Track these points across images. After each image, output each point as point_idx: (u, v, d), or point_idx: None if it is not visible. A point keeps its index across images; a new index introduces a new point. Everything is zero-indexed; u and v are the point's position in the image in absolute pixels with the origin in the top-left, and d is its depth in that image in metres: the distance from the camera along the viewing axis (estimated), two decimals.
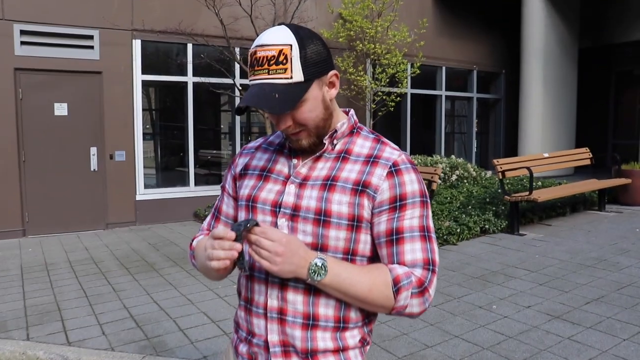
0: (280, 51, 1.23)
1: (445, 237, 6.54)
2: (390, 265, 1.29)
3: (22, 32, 7.51)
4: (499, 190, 8.06)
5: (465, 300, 4.59)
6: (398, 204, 1.30)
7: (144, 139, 8.63)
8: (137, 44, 8.29)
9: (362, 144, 1.38)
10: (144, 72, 8.42)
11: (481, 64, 12.89)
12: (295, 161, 1.39)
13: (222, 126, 10.09)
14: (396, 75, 9.89)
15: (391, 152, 1.35)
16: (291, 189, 1.35)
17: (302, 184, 1.34)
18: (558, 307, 4.34)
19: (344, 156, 1.36)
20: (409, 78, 10.79)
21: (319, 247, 1.29)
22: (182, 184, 9.06)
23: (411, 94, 11.62)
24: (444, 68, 12.20)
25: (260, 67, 1.26)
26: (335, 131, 1.37)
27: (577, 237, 6.71)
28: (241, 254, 1.22)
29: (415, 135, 11.92)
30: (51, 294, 5.06)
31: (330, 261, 1.24)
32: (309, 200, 1.31)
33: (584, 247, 6.24)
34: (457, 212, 7.49)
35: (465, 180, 9.79)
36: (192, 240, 1.57)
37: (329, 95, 1.34)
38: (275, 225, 1.34)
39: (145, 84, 8.66)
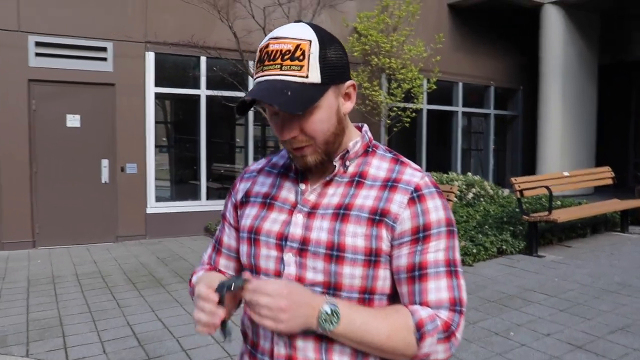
0: (298, 46, 1.08)
1: (460, 257, 6.33)
2: (412, 306, 1.12)
3: (37, 44, 7.51)
4: (517, 210, 7.84)
5: (481, 325, 4.38)
6: (421, 235, 1.13)
7: (155, 151, 8.57)
8: (150, 56, 8.27)
9: (379, 165, 1.21)
10: (157, 84, 8.38)
11: (498, 79, 12.72)
12: (302, 186, 1.22)
13: (237, 140, 10.00)
14: (412, 90, 9.74)
15: (412, 174, 1.18)
16: (298, 219, 1.18)
17: (311, 213, 1.18)
18: (580, 335, 4.11)
19: (358, 180, 1.19)
20: (424, 93, 10.65)
21: (332, 286, 1.13)
22: (194, 198, 8.97)
23: (427, 109, 11.48)
24: (460, 84, 12.05)
25: (271, 62, 1.09)
26: (347, 151, 1.20)
27: (599, 260, 6.46)
28: (225, 320, 1.06)
29: (431, 152, 11.75)
30: (55, 308, 4.96)
31: (341, 306, 1.06)
32: (319, 232, 1.14)
33: (606, 270, 5.99)
34: (473, 232, 7.29)
35: (481, 199, 9.58)
36: (192, 276, 1.40)
37: (344, 108, 1.18)
38: (281, 260, 1.17)
39: (158, 97, 8.61)
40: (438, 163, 11.66)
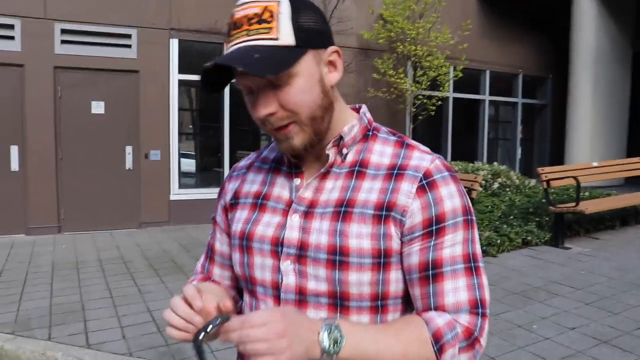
0: (265, 8, 0.94)
1: (484, 248, 6.22)
2: (426, 314, 0.99)
3: (63, 31, 7.58)
4: (544, 200, 7.67)
5: (504, 317, 4.29)
6: (434, 227, 0.99)
7: (179, 138, 8.60)
8: (174, 43, 8.27)
9: (382, 151, 1.06)
10: (180, 71, 8.40)
11: (527, 67, 12.45)
12: (297, 181, 1.08)
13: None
14: (438, 78, 9.60)
15: (421, 157, 1.03)
16: (294, 220, 1.04)
17: (308, 212, 1.04)
18: (606, 330, 3.99)
19: (359, 170, 1.04)
20: (451, 81, 10.48)
21: (338, 295, 1.00)
22: (217, 185, 8.98)
23: (453, 98, 11.31)
24: (487, 72, 11.82)
25: (237, 30, 0.95)
26: (341, 138, 1.05)
27: (629, 253, 6.28)
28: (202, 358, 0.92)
29: (457, 141, 11.58)
30: (78, 293, 5.02)
31: (344, 325, 0.91)
32: (318, 234, 1.01)
33: (635, 264, 5.81)
34: (497, 222, 7.14)
35: (507, 189, 9.40)
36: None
37: (330, 78, 1.02)
38: (278, 269, 1.04)
39: (182, 84, 8.63)
40: (464, 152, 11.49)
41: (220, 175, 8.99)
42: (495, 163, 10.26)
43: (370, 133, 1.10)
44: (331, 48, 1.01)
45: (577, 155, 11.24)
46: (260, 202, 1.11)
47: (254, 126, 9.96)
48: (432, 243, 0.99)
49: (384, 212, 0.99)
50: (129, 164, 8.15)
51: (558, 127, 12.72)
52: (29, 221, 7.61)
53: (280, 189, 1.10)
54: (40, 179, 7.61)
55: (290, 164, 1.10)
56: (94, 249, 6.83)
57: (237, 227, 1.13)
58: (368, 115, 1.11)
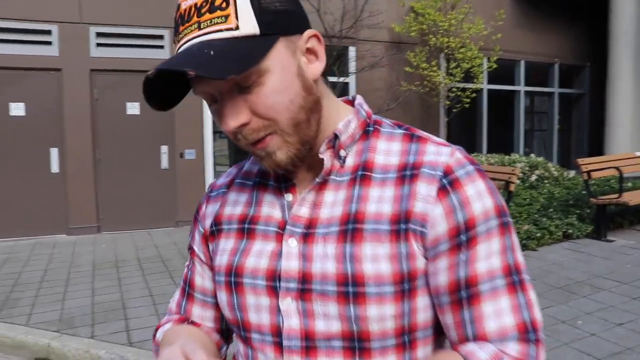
0: None
1: (524, 242, 6.10)
2: (464, 347, 0.79)
3: (98, 34, 7.72)
4: (584, 192, 7.48)
5: (547, 313, 4.19)
6: (463, 237, 0.79)
7: (213, 137, 8.68)
8: None
9: (388, 149, 0.86)
10: None
11: (563, 56, 12.14)
12: (289, 197, 0.88)
13: None
14: (471, 70, 9.44)
15: (437, 151, 0.83)
16: (292, 245, 0.84)
17: (308, 234, 0.83)
18: None
19: (362, 175, 0.84)
20: (485, 73, 10.29)
21: (355, 336, 0.80)
22: None
23: (488, 89, 11.10)
24: (522, 62, 11.57)
25: (186, 25, 0.76)
26: (336, 136, 0.85)
27: None
28: None
29: (492, 133, 11.38)
30: (118, 292, 5.10)
31: None
32: (323, 261, 0.81)
33: None
34: (537, 215, 6.99)
35: (545, 181, 9.21)
36: (156, 331, 1.03)
37: (311, 70, 0.82)
38: (277, 310, 0.84)
39: None
40: (500, 144, 11.30)
41: None
42: (532, 155, 10.06)
43: (372, 128, 0.89)
44: (308, 32, 0.81)
45: (618, 145, 10.91)
46: (247, 227, 0.91)
47: None
48: (462, 257, 0.79)
49: (403, 224, 0.80)
50: (164, 163, 8.27)
51: (596, 116, 12.39)
52: (70, 222, 7.79)
53: (270, 208, 0.90)
54: (79, 180, 7.78)
55: (277, 177, 0.90)
56: (133, 248, 6.94)
57: (222, 260, 0.92)
58: (365, 106, 0.92)
